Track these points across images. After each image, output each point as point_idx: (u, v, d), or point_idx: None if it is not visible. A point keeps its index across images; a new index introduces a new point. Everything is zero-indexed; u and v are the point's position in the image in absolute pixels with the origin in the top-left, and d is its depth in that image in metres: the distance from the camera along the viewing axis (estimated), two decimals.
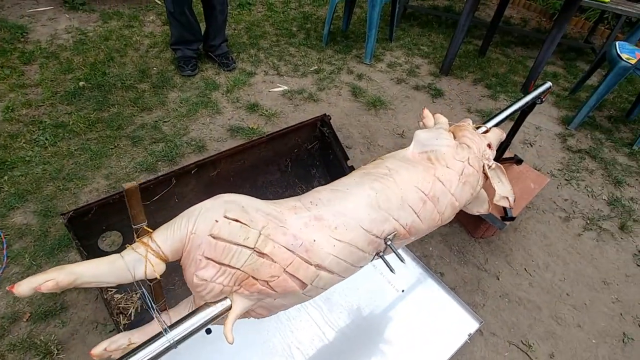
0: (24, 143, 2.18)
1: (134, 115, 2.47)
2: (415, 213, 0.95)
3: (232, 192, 0.96)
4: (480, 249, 2.00)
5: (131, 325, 1.52)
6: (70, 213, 1.41)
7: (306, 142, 2.15)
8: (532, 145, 2.71)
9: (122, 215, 1.59)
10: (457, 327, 1.62)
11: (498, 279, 1.87)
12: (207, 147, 2.33)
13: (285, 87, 2.91)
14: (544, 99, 1.66)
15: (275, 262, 0.77)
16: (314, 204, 0.89)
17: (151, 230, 0.82)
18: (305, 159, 2.17)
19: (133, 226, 0.82)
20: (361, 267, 0.97)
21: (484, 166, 1.13)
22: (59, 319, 1.54)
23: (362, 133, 2.65)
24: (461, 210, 1.26)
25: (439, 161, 1.06)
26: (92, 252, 1.54)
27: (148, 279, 0.82)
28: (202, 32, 2.92)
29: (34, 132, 2.26)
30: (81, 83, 2.64)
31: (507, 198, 1.17)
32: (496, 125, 1.41)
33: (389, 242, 0.91)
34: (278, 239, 0.79)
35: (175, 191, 1.71)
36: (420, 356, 1.52)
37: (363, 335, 1.57)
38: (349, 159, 2.11)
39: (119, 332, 1.42)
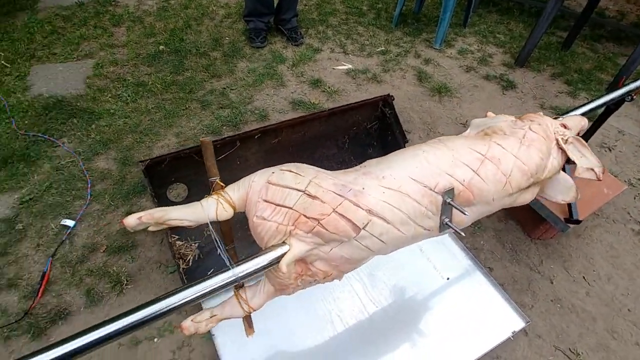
0: (109, 97, 2.41)
1: (205, 81, 2.61)
2: (473, 171, 0.93)
3: (290, 161, 1.05)
4: (535, 250, 1.91)
5: (189, 271, 1.66)
6: (148, 161, 1.55)
7: (366, 120, 2.15)
8: (611, 150, 2.50)
9: (189, 170, 1.72)
10: (501, 322, 1.58)
11: (552, 282, 1.79)
12: (269, 117, 2.42)
13: (350, 66, 2.91)
14: (634, 97, 1.52)
15: (324, 202, 0.83)
16: (362, 166, 0.96)
17: (224, 185, 0.91)
18: (364, 137, 2.18)
19: (209, 179, 0.92)
20: (424, 228, 0.93)
21: (558, 141, 1.07)
22: (129, 255, 1.72)
23: (423, 119, 2.60)
24: (518, 207, 1.20)
25: (496, 132, 1.03)
26: (161, 200, 1.69)
27: (219, 221, 0.92)
28: (275, 6, 2.98)
29: (118, 88, 2.48)
30: (161, 47, 2.84)
31: (593, 170, 1.08)
32: None
33: (448, 199, 0.90)
34: (327, 185, 0.87)
35: (238, 153, 1.81)
36: (457, 344, 1.51)
37: (402, 315, 1.59)
38: (407, 141, 2.09)
39: (179, 274, 1.57)
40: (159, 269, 1.71)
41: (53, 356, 0.63)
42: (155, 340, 1.51)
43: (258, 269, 0.81)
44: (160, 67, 2.67)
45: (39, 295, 1.55)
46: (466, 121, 2.58)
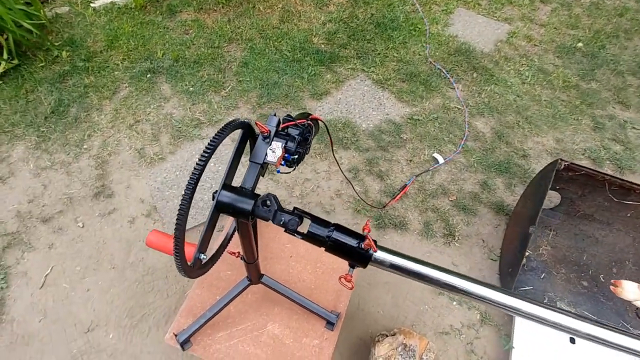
0: (511, 69, 2.42)
1: (608, 103, 2.30)
2: None
3: None
4: None
5: (506, 272, 1.63)
6: (568, 163, 1.49)
7: None
8: None
9: (576, 187, 1.61)
10: None
11: None
12: None
13: None
14: None
15: None
16: None
17: None
18: None
19: None
20: None
21: None
22: (467, 219, 1.80)
23: None
24: None
25: None
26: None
27: None
28: None
29: (522, 64, 2.45)
30: (579, 44, 2.61)
31: None
32: None
33: None
34: None
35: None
36: None
37: None
38: None
39: (501, 266, 1.55)
40: (482, 248, 1.74)
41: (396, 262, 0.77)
42: (454, 303, 1.59)
43: None
44: (569, 64, 2.49)
45: (396, 199, 1.82)
46: None
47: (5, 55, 2.15)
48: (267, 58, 2.36)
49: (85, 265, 1.63)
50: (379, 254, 0.77)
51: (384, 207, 1.79)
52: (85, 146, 1.95)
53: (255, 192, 0.81)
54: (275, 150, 0.80)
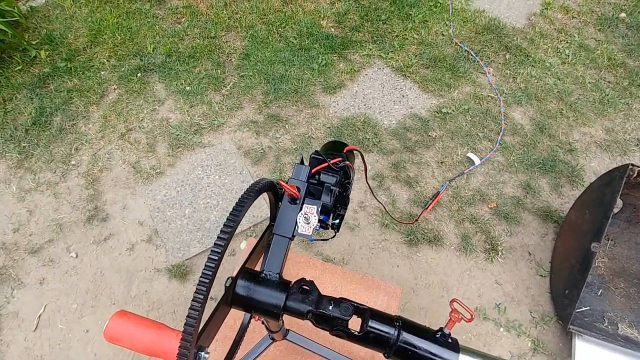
0: (548, 47, 2.13)
1: None
2: None
3: None
4: None
5: (556, 291, 1.43)
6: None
7: None
8: None
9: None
10: None
11: None
12: None
13: None
14: None
15: None
16: None
17: None
18: None
19: None
20: None
21: None
22: (509, 228, 1.58)
23: None
24: None
25: None
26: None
27: None
28: None
29: (560, 40, 2.16)
30: (622, 14, 2.30)
31: None
32: None
33: None
34: None
35: None
36: None
37: None
38: None
39: (552, 291, 1.34)
40: (529, 262, 1.53)
41: None
42: (501, 329, 1.40)
43: None
44: (612, 38, 2.19)
45: (428, 209, 1.60)
46: None
47: None
48: (271, 47, 2.09)
49: (82, 302, 1.45)
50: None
51: (416, 220, 1.57)
52: (72, 162, 1.73)
53: (282, 276, 0.59)
54: (309, 217, 0.57)
